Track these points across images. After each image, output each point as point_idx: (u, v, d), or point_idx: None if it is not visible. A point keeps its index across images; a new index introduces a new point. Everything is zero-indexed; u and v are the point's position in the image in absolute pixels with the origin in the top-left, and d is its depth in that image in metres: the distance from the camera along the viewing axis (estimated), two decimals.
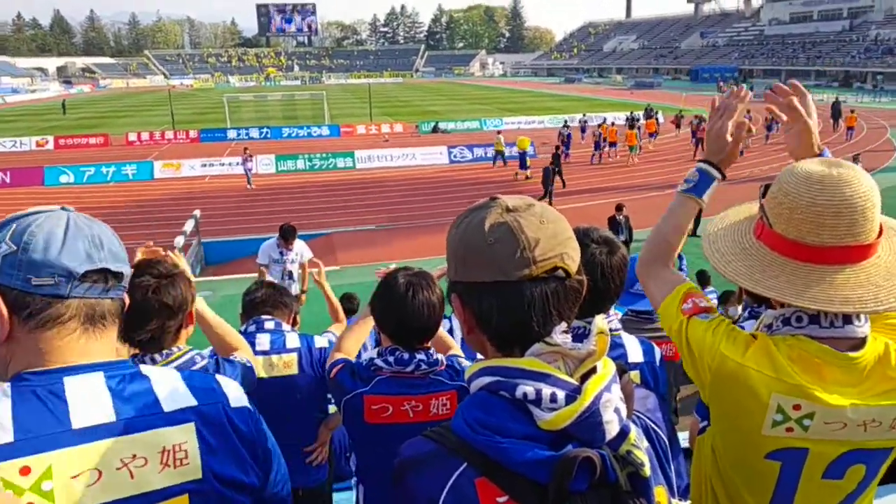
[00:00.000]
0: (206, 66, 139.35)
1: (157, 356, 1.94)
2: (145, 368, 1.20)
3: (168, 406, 1.15)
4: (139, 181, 25.45)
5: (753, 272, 1.51)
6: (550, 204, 15.74)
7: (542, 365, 1.03)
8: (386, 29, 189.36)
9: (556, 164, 21.51)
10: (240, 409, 1.25)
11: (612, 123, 31.89)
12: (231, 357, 2.19)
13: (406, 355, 2.15)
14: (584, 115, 37.93)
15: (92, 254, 1.14)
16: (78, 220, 1.17)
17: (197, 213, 15.62)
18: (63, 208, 1.19)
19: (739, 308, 3.14)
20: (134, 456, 1.09)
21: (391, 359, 2.15)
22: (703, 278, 8.60)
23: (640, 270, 1.78)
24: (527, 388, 1.01)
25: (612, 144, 28.19)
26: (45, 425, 1.04)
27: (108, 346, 1.17)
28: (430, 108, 55.21)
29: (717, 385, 1.49)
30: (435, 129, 38.23)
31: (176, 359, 1.98)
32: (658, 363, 2.31)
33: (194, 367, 2.02)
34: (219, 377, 1.30)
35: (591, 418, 1.00)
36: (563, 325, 1.07)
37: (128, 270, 1.20)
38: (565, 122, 34.16)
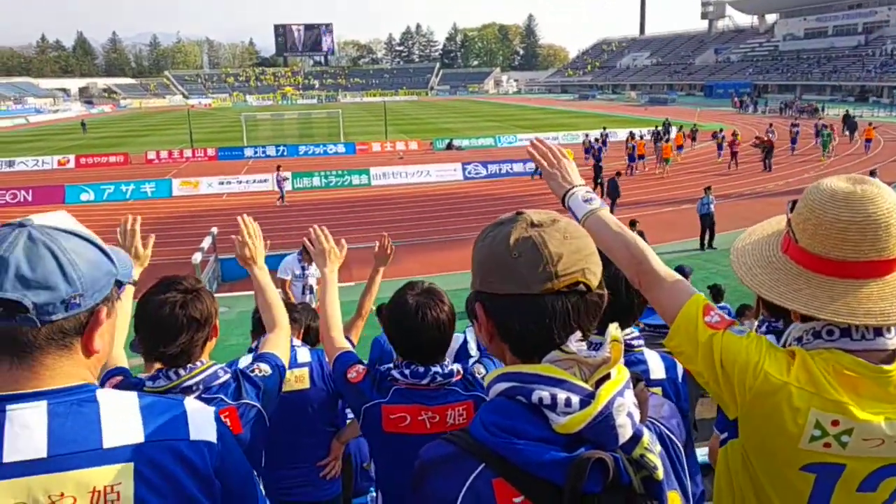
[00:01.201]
0: (224, 86, 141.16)
1: (181, 370, 1.98)
2: (101, 395, 1.14)
3: (109, 441, 1.09)
4: (158, 199, 25.78)
5: (778, 285, 1.54)
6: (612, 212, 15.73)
7: (557, 371, 1.07)
8: (401, 48, 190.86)
9: (597, 176, 22.88)
10: (200, 444, 1.17)
11: (642, 136, 32.41)
12: (254, 371, 2.19)
13: (421, 369, 2.18)
14: (604, 128, 38.03)
15: None
16: (30, 235, 1.12)
17: (214, 230, 15.78)
18: (21, 223, 1.16)
19: (755, 322, 3.13)
20: (62, 494, 1.05)
21: (407, 371, 2.19)
22: (716, 292, 8.55)
23: (643, 281, 1.73)
24: (542, 393, 1.05)
25: (641, 157, 28.97)
26: None
27: (65, 370, 1.13)
28: (444, 125, 55.48)
29: (756, 402, 1.48)
30: (449, 146, 38.42)
31: (200, 372, 2.02)
32: (680, 379, 2.31)
33: (216, 382, 2.06)
34: (189, 403, 1.23)
35: (605, 422, 1.04)
36: (579, 334, 1.11)
37: (44, 298, 1.08)
38: (602, 134, 34.50)
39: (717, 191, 21.24)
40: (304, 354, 2.94)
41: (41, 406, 1.08)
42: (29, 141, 50.01)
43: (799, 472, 1.49)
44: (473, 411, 2.18)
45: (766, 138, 29.18)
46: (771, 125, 34.84)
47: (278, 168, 24.83)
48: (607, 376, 1.09)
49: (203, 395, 2.01)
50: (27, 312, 1.07)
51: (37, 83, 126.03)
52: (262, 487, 1.34)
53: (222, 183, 27.35)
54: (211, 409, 1.24)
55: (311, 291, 8.33)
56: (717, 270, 14.01)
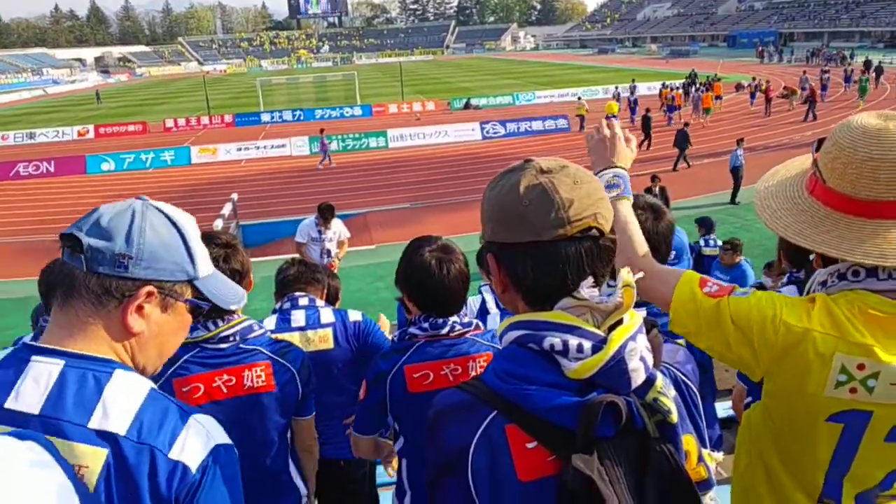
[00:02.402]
0: (238, 51, 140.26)
1: (219, 321, 2.07)
2: (119, 375, 1.13)
3: (94, 422, 1.07)
4: (177, 167, 25.93)
5: (804, 227, 1.50)
6: (688, 166, 15.18)
7: (569, 318, 1.07)
8: (415, 6, 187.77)
9: (646, 126, 23.29)
10: (175, 463, 1.10)
11: (676, 88, 32.44)
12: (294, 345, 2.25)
13: (440, 320, 2.20)
14: (633, 80, 37.42)
15: (77, 222, 1.17)
16: (133, 203, 1.19)
17: (234, 196, 15.88)
18: (140, 198, 1.23)
19: (783, 279, 3.09)
20: None
21: (426, 325, 2.20)
22: (735, 248, 8.46)
23: (638, 270, 1.66)
24: (554, 340, 1.04)
25: (679, 108, 29.53)
26: None
27: (95, 331, 1.14)
28: (461, 84, 54.83)
29: (782, 355, 1.45)
30: (467, 106, 38.02)
31: (237, 324, 2.13)
32: None
33: (251, 336, 2.16)
34: (197, 420, 1.17)
35: (617, 366, 1.03)
36: (591, 280, 1.10)
37: (98, 244, 1.12)
38: (631, 87, 34.09)
39: (752, 141, 20.92)
40: (327, 315, 2.96)
41: (58, 365, 1.10)
42: (48, 112, 50.36)
43: (825, 422, 1.46)
44: None
45: (808, 88, 29.39)
46: (804, 73, 34.54)
47: (322, 131, 24.90)
48: (620, 322, 1.08)
49: (241, 346, 2.11)
50: (82, 253, 1.11)
51: (53, 54, 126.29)
52: None
53: (240, 149, 27.41)
54: (216, 440, 1.16)
55: (329, 255, 8.39)
56: (740, 225, 13.85)
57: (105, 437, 1.07)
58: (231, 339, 2.11)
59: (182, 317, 1.24)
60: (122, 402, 1.10)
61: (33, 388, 1.07)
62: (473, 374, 2.19)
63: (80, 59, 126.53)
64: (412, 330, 2.23)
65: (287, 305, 2.95)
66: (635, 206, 2.02)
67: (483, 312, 3.57)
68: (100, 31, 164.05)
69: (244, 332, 2.14)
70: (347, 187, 20.68)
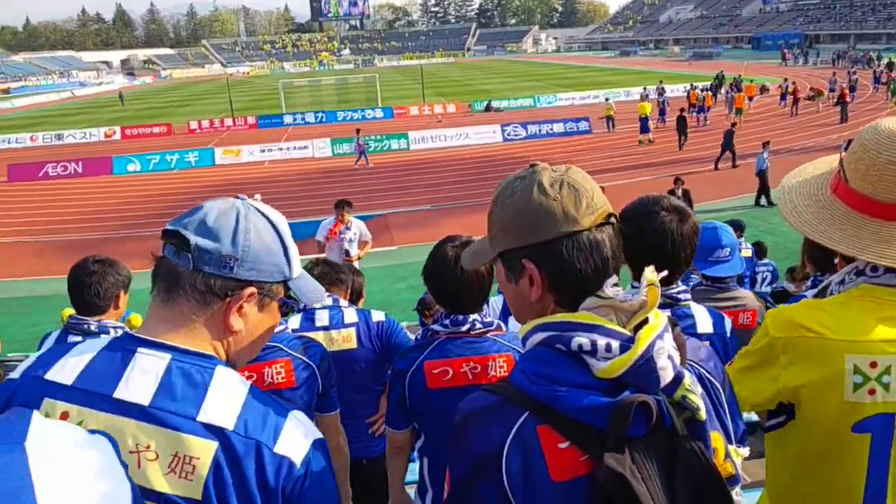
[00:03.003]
0: (261, 53, 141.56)
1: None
2: (220, 371, 1.17)
3: (203, 415, 1.10)
4: (201, 167, 26.22)
5: (821, 223, 1.52)
6: (716, 169, 17.34)
7: (595, 318, 1.08)
8: (437, 8, 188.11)
9: (682, 126, 23.27)
10: (281, 458, 1.13)
11: (705, 90, 32.39)
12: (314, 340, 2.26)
13: (461, 317, 2.23)
14: (661, 82, 37.32)
15: (181, 218, 1.19)
16: (236, 203, 1.22)
17: (258, 197, 15.95)
18: (240, 197, 1.25)
19: (805, 285, 3.08)
20: (148, 447, 1.08)
21: (447, 321, 2.24)
22: (760, 249, 8.37)
23: None
24: (582, 340, 1.05)
25: (708, 109, 29.60)
26: (98, 384, 1.10)
27: (198, 328, 1.17)
28: (482, 86, 54.82)
29: (794, 371, 1.47)
30: (488, 108, 37.97)
31: None
32: (729, 334, 2.29)
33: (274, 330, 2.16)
34: (295, 416, 1.20)
35: (646, 365, 1.04)
36: (615, 278, 1.12)
37: (205, 243, 1.15)
38: (659, 88, 33.97)
39: (779, 144, 20.68)
40: (350, 315, 2.98)
41: (165, 358, 1.13)
42: (75, 114, 51.17)
43: (852, 434, 1.45)
44: (513, 364, 2.21)
45: (838, 90, 29.29)
46: (834, 74, 34.45)
47: (358, 132, 25.07)
48: (645, 321, 1.09)
49: None
50: (189, 252, 1.14)
51: (80, 56, 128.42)
52: None
53: (263, 150, 27.65)
54: (314, 435, 1.20)
55: (347, 255, 8.43)
56: (765, 228, 13.70)
57: (213, 431, 1.10)
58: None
59: (274, 315, 1.28)
60: (227, 398, 1.14)
61: (142, 380, 1.10)
62: (493, 373, 2.20)
63: (106, 62, 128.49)
64: (434, 327, 2.28)
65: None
66: (661, 208, 2.03)
67: (506, 313, 3.58)
68: (125, 34, 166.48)
69: None
70: (369, 188, 20.77)
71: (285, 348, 2.23)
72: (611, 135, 28.02)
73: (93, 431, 0.58)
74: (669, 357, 1.07)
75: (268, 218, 1.23)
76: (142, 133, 36.03)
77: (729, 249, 2.92)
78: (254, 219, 1.20)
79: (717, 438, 1.17)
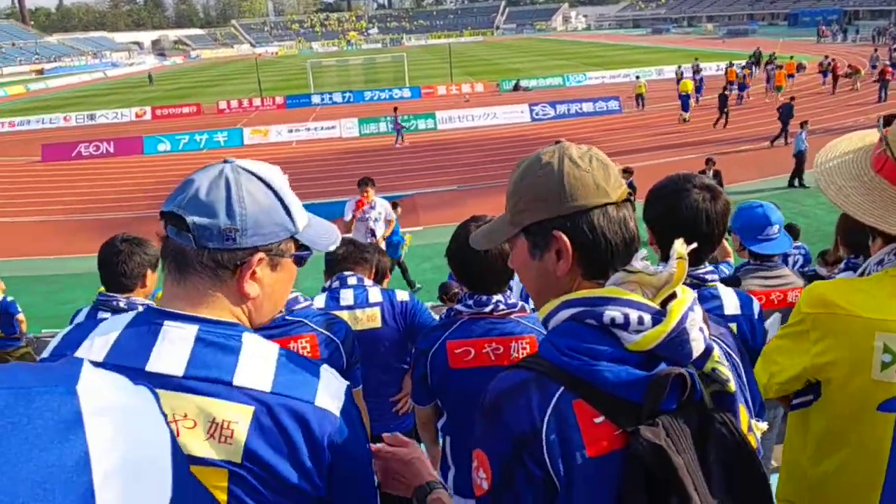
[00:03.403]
0: (289, 33, 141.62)
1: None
2: (247, 337, 1.17)
3: (238, 380, 1.12)
4: (230, 147, 26.45)
5: (876, 207, 1.48)
6: (770, 146, 16.43)
7: (624, 292, 1.08)
8: None
9: (723, 104, 23.11)
10: (323, 411, 1.16)
11: (747, 66, 32.25)
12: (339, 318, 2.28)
13: (484, 297, 2.22)
14: (696, 59, 36.86)
15: (174, 196, 1.17)
16: (223, 169, 1.19)
17: (286, 177, 16.09)
18: (227, 161, 1.22)
19: (839, 268, 3.01)
20: (185, 415, 1.09)
21: (471, 301, 2.24)
22: (792, 232, 8.21)
23: None
24: (614, 313, 1.05)
25: (748, 86, 29.44)
26: (129, 358, 1.10)
27: (216, 300, 1.18)
28: (511, 65, 54.31)
29: (824, 349, 1.45)
30: (516, 88, 37.66)
31: None
32: (756, 316, 2.27)
33: (297, 307, 2.19)
34: (326, 370, 1.23)
35: (679, 337, 1.04)
36: (644, 252, 1.14)
37: (203, 220, 1.14)
38: (695, 65, 33.74)
39: (817, 123, 20.20)
40: (375, 294, 2.99)
41: (192, 329, 1.14)
42: (107, 94, 51.88)
43: (877, 412, 1.44)
44: (536, 345, 2.19)
45: (880, 67, 28.54)
46: (875, 51, 33.73)
47: (395, 110, 25.15)
48: (673, 295, 1.09)
49: (286, 317, 2.14)
50: (189, 231, 1.13)
51: (112, 37, 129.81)
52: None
53: (291, 130, 27.80)
54: (344, 385, 1.24)
55: (373, 235, 8.46)
56: (798, 210, 13.44)
57: (250, 395, 1.11)
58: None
59: (288, 270, 1.28)
60: (260, 361, 1.15)
61: (173, 351, 1.11)
62: (515, 354, 2.20)
63: (137, 43, 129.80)
64: (457, 307, 2.28)
65: (336, 284, 3.00)
66: (692, 186, 1.99)
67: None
68: (156, 15, 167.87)
69: (289, 304, 2.20)
70: (395, 169, 20.78)
71: (311, 324, 2.25)
72: (642, 113, 27.64)
73: (136, 384, 0.61)
74: (700, 329, 1.08)
75: (259, 177, 1.20)
76: (172, 113, 36.45)
77: (777, 227, 2.92)
78: (245, 182, 1.18)
79: (742, 411, 1.17)
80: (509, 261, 1.29)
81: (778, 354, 1.61)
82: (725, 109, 23.26)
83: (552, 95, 33.02)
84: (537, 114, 28.35)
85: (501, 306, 2.22)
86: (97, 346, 1.13)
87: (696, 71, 31.73)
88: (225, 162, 1.21)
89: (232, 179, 1.17)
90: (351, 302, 2.94)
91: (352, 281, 3.00)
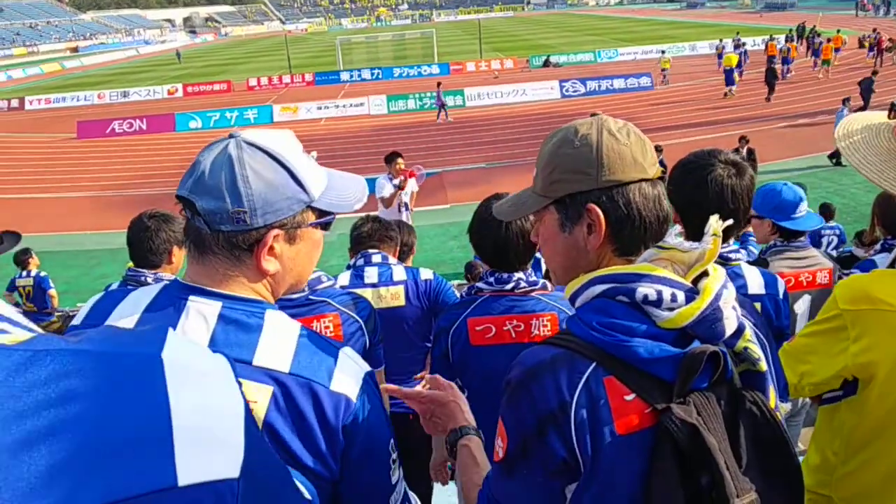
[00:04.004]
0: (319, 9, 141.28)
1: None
2: (270, 315, 1.17)
3: (259, 360, 1.11)
4: (260, 124, 26.55)
5: None
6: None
7: (657, 269, 1.07)
8: None
9: (771, 78, 22.94)
10: (338, 395, 1.14)
11: (791, 39, 31.73)
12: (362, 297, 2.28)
13: (505, 275, 2.22)
14: (737, 34, 36.18)
15: (185, 179, 1.16)
16: (227, 146, 1.16)
17: (314, 154, 16.02)
18: (232, 135, 1.19)
19: (875, 249, 2.94)
20: None
21: (492, 279, 2.23)
22: (826, 212, 8.01)
23: None
24: (647, 290, 1.04)
25: (791, 60, 28.78)
26: None
27: (237, 279, 1.17)
28: (541, 41, 53.59)
29: (864, 343, 1.41)
30: (546, 64, 37.17)
31: None
32: (781, 296, 2.23)
33: (319, 287, 2.20)
34: (346, 353, 1.21)
35: (712, 315, 1.03)
36: (678, 228, 1.11)
37: (211, 205, 1.12)
38: (736, 40, 33.18)
39: (859, 101, 19.66)
40: (399, 273, 3.00)
41: (216, 306, 1.14)
42: (140, 72, 52.43)
43: None
44: (557, 323, 2.19)
45: None
46: None
47: (438, 85, 25.11)
48: (704, 273, 1.08)
49: (310, 297, 2.16)
50: (201, 215, 1.12)
51: (144, 14, 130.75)
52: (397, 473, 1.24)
53: (320, 107, 27.85)
54: (364, 370, 1.22)
55: (407, 209, 8.47)
56: (833, 189, 13.12)
57: (269, 375, 1.11)
58: (301, 289, 2.15)
59: (311, 239, 1.24)
60: (280, 341, 1.15)
61: (197, 327, 1.11)
62: (536, 332, 2.19)
63: (169, 20, 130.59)
64: (478, 285, 2.28)
65: (361, 262, 3.01)
66: (718, 161, 1.95)
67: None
68: None
69: (312, 283, 2.20)
70: (423, 146, 20.72)
71: (334, 303, 2.26)
72: (677, 89, 27.12)
73: (214, 351, 0.62)
74: (733, 308, 1.06)
75: (264, 150, 1.15)
76: (203, 90, 36.72)
77: (805, 204, 2.88)
78: (249, 159, 1.13)
79: (770, 391, 1.15)
80: (532, 234, 1.28)
81: (810, 354, 1.56)
82: (773, 83, 22.84)
83: (583, 72, 32.55)
84: (567, 90, 27.97)
85: (523, 283, 2.22)
86: (125, 316, 1.14)
87: (738, 45, 31.11)
88: (230, 137, 1.18)
89: (236, 157, 1.13)
90: (375, 280, 2.95)
91: (376, 259, 3.00)
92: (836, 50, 29.42)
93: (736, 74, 24.85)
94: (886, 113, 1.57)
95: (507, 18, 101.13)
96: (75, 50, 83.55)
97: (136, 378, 0.50)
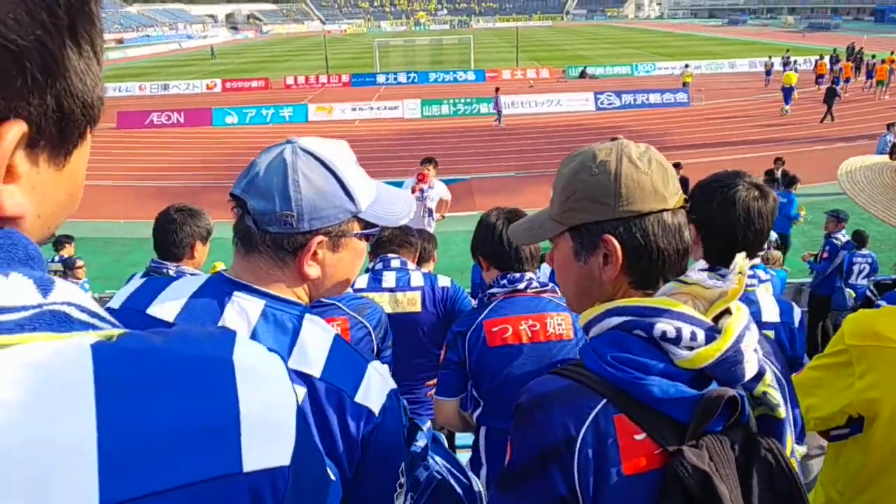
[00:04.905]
0: (359, 11, 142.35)
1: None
2: (309, 320, 1.19)
3: (293, 362, 1.14)
4: (295, 123, 26.85)
5: None
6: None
7: (676, 304, 1.02)
8: None
9: (831, 99, 22.30)
10: (361, 407, 1.16)
11: (849, 59, 31.26)
12: (373, 303, 2.32)
13: (517, 275, 2.26)
14: (787, 52, 35.99)
15: (240, 179, 1.20)
16: (283, 151, 1.19)
17: (350, 154, 16.26)
18: (289, 141, 1.22)
19: None
20: None
21: (504, 281, 2.27)
22: (859, 239, 7.87)
23: None
24: (666, 327, 1.00)
25: (846, 80, 28.21)
26: (196, 322, 1.14)
27: (278, 280, 1.21)
28: (578, 52, 53.35)
29: (869, 380, 1.41)
30: (582, 75, 36.99)
31: None
32: (797, 325, 2.21)
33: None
34: (374, 367, 1.22)
35: (733, 357, 0.98)
36: (702, 263, 1.09)
37: (261, 206, 1.15)
38: (785, 57, 32.94)
39: None
40: (417, 278, 3.03)
41: (259, 304, 1.17)
42: (180, 65, 53.31)
43: None
44: (572, 324, 2.20)
45: None
46: None
47: (497, 90, 25.22)
48: (726, 311, 1.04)
49: (320, 300, 2.19)
50: (250, 214, 1.17)
51: (188, 9, 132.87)
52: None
53: (355, 109, 28.02)
54: (390, 385, 1.23)
55: (430, 214, 8.50)
56: (868, 216, 12.81)
57: (302, 377, 1.13)
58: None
59: (355, 249, 1.27)
60: (315, 346, 1.17)
61: (239, 322, 1.15)
62: (552, 331, 2.20)
63: (211, 16, 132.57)
64: (492, 290, 2.30)
65: (379, 266, 3.05)
66: (742, 183, 1.93)
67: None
68: None
69: None
70: (454, 152, 20.75)
71: (343, 307, 2.29)
72: (711, 106, 26.77)
73: (270, 349, 0.66)
74: (755, 350, 1.02)
75: (318, 158, 1.19)
76: (241, 87, 37.18)
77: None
78: (302, 166, 1.17)
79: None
80: (547, 257, 1.25)
81: (817, 387, 1.54)
82: (831, 104, 22.35)
83: (619, 84, 32.35)
84: (602, 102, 27.79)
85: (535, 283, 2.26)
86: (168, 305, 1.17)
87: (786, 63, 30.77)
88: (287, 142, 1.21)
89: (290, 163, 1.16)
90: (392, 284, 2.98)
91: (395, 264, 3.04)
92: (892, 71, 28.97)
93: (796, 93, 24.55)
94: (888, 156, 1.57)
95: (546, 28, 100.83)
96: (120, 41, 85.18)
97: (212, 378, 0.55)
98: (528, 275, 2.26)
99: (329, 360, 1.16)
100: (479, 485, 1.45)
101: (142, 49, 73.20)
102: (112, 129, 26.17)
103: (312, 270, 1.21)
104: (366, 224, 1.26)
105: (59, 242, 8.48)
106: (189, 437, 0.51)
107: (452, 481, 1.41)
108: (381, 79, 37.88)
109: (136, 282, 1.27)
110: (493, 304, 2.26)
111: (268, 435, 0.57)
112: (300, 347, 1.15)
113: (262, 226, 1.17)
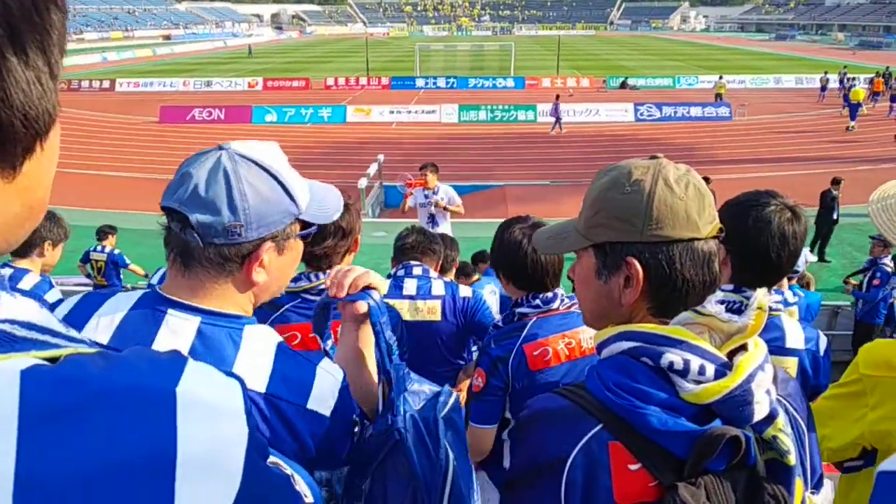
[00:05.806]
0: (402, 15, 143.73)
1: (321, 274, 2.18)
2: (249, 330, 1.18)
3: None
4: (333, 124, 27.15)
5: None
6: None
7: (689, 335, 0.98)
8: None
9: None
10: (313, 413, 1.16)
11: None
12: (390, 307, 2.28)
13: (549, 294, 2.24)
14: (844, 68, 35.35)
15: (173, 190, 1.14)
16: (220, 158, 1.14)
17: (381, 157, 16.36)
18: (220, 147, 1.18)
19: None
20: None
21: (537, 301, 2.24)
22: (884, 245, 7.61)
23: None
24: (674, 357, 0.96)
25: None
26: (129, 343, 1.08)
27: (220, 292, 1.17)
28: (620, 62, 52.99)
29: (882, 411, 1.35)
30: (623, 85, 36.70)
31: None
32: (822, 353, 2.11)
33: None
34: (323, 367, 1.21)
35: (741, 396, 0.94)
36: (720, 295, 1.05)
37: (206, 218, 1.10)
38: (841, 76, 32.30)
39: None
40: (438, 287, 2.98)
41: (194, 321, 1.14)
42: (224, 63, 54.30)
43: None
44: None
45: None
46: None
47: (557, 97, 25.33)
48: (743, 347, 0.99)
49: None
50: (193, 228, 1.11)
51: (235, 8, 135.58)
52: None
53: (392, 112, 28.23)
54: (339, 382, 1.22)
55: (433, 220, 8.34)
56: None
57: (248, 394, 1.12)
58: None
59: (295, 249, 1.26)
60: (257, 360, 1.15)
61: (173, 342, 1.11)
62: (585, 346, 2.19)
63: (257, 15, 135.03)
64: (521, 310, 2.24)
65: (401, 272, 3.01)
66: (774, 204, 1.86)
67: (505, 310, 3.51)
68: None
69: None
70: (489, 158, 20.72)
71: None
72: (753, 122, 26.32)
73: (229, 374, 0.63)
74: (767, 392, 0.97)
75: (257, 163, 1.15)
76: (282, 86, 37.70)
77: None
78: (244, 172, 1.13)
79: (798, 486, 1.06)
80: (569, 271, 1.22)
81: (830, 418, 1.49)
82: None
83: (660, 96, 31.99)
84: (642, 114, 27.52)
85: (566, 300, 2.24)
86: (102, 325, 1.14)
87: (842, 80, 30.26)
88: (219, 148, 1.17)
89: (231, 171, 1.12)
90: (413, 292, 2.94)
91: (417, 271, 2.99)
92: None
93: (864, 108, 24.09)
94: None
95: (588, 37, 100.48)
96: (168, 37, 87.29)
97: (148, 411, 0.51)
98: (559, 291, 2.24)
99: (274, 371, 1.15)
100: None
101: (188, 46, 74.92)
102: (154, 122, 26.74)
103: (260, 276, 1.19)
104: (304, 224, 1.25)
105: (101, 232, 8.65)
106: (114, 476, 0.48)
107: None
108: (420, 82, 38.10)
109: (74, 298, 1.23)
110: (528, 326, 2.22)
111: (208, 476, 0.53)
112: (240, 363, 1.13)
113: (207, 239, 1.12)
